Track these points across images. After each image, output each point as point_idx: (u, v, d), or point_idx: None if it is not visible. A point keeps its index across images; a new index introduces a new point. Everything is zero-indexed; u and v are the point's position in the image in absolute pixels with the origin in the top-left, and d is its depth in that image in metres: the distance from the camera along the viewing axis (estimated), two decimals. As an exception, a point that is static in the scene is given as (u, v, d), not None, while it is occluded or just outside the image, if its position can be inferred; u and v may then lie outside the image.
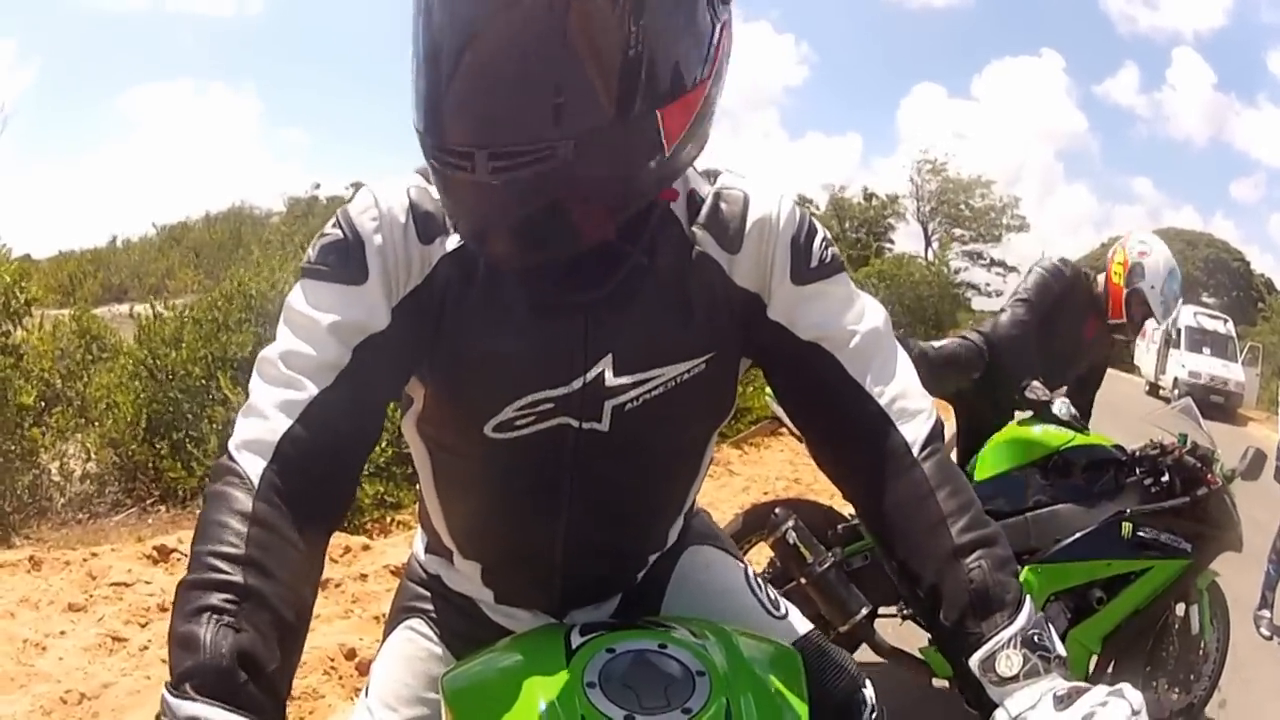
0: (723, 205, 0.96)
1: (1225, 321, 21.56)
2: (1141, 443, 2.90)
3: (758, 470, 6.79)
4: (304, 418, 0.84)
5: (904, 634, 2.87)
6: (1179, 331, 20.16)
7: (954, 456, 3.22)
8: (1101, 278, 3.28)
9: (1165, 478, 2.75)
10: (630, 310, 0.93)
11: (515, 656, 0.91)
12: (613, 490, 1.00)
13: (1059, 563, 2.68)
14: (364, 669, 2.80)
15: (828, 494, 3.70)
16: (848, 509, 2.87)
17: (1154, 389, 20.22)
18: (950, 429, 3.28)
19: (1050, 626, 0.86)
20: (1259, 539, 3.70)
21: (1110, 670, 2.75)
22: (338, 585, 3.49)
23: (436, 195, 0.91)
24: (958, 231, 35.07)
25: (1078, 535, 2.70)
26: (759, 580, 1.17)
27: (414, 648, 1.10)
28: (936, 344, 3.32)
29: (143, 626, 3.05)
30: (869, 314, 0.98)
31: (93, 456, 5.00)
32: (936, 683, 2.86)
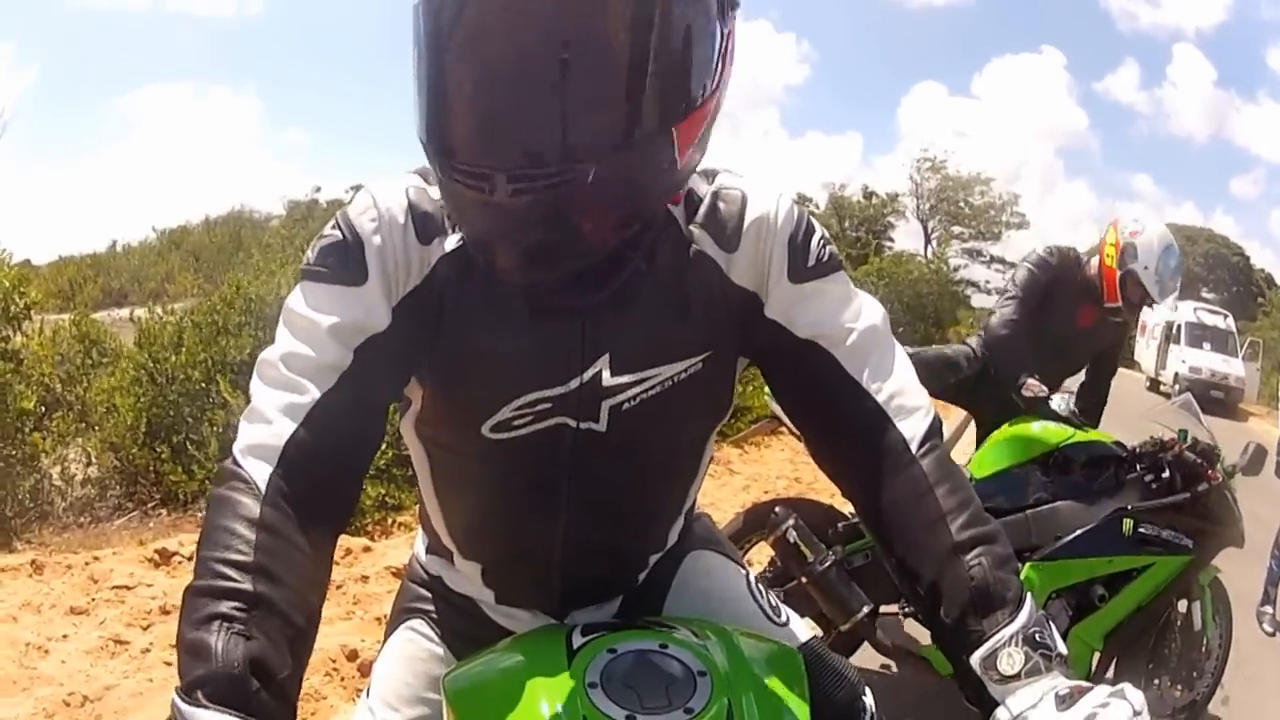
0: (721, 204, 0.96)
1: (1225, 317, 21.56)
2: (1142, 439, 2.90)
3: (758, 469, 6.79)
4: (307, 421, 0.84)
5: (904, 634, 2.87)
6: (1179, 327, 20.16)
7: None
8: (1095, 261, 3.22)
9: (1166, 474, 2.74)
10: (628, 310, 0.93)
11: (517, 656, 0.91)
12: (611, 490, 1.00)
13: (1060, 560, 2.68)
14: (365, 670, 2.80)
15: (828, 493, 3.70)
16: (848, 508, 2.86)
17: (1154, 384, 20.22)
18: (949, 429, 3.28)
19: (1051, 625, 0.86)
20: (1261, 535, 3.70)
21: (1112, 668, 2.75)
22: (339, 587, 3.49)
23: (435, 195, 0.91)
24: (957, 229, 35.06)
25: (1079, 532, 2.69)
26: (760, 586, 1.17)
27: (415, 648, 1.10)
28: (923, 349, 3.32)
29: (145, 629, 3.05)
30: (866, 312, 0.98)
31: (93, 461, 5.00)
32: (937, 681, 2.86)
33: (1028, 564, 2.65)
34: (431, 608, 1.13)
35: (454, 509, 1.06)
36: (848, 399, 0.95)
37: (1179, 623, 2.89)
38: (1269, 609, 4.25)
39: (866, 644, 2.67)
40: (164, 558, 3.64)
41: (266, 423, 0.84)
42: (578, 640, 0.88)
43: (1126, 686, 0.78)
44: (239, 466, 0.82)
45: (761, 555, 3.34)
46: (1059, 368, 3.33)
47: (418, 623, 1.12)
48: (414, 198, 0.92)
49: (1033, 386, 2.95)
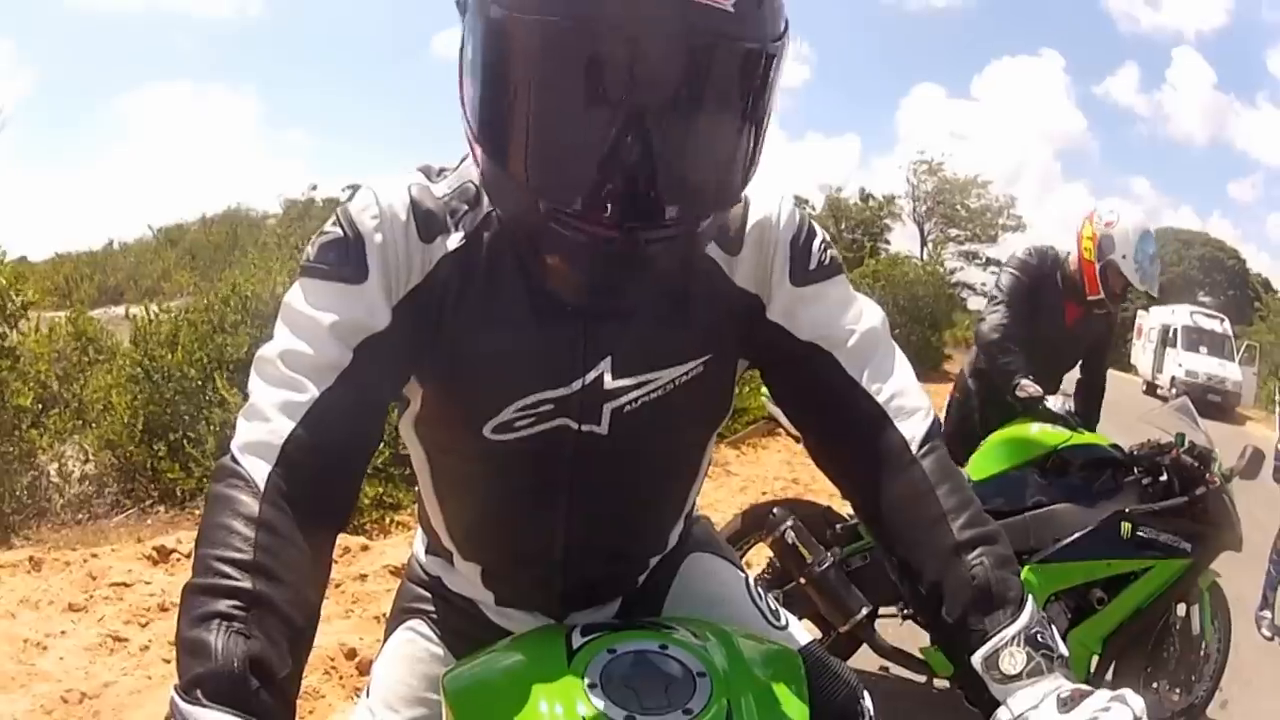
0: None
1: (1222, 321, 21.60)
2: (1138, 442, 2.90)
3: (756, 470, 6.80)
4: (306, 420, 0.83)
5: (903, 634, 2.87)
6: (1176, 331, 20.19)
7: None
8: (1073, 257, 3.22)
9: (1164, 477, 2.75)
10: (630, 312, 0.93)
11: (516, 656, 0.91)
12: (612, 492, 1.00)
13: (1059, 562, 2.68)
14: (364, 669, 2.80)
15: (826, 494, 3.70)
16: (847, 509, 2.87)
17: (1151, 388, 20.25)
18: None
19: (1053, 626, 0.86)
20: (1259, 538, 3.69)
21: (1111, 671, 2.75)
22: (338, 585, 3.49)
23: (438, 193, 0.91)
24: (953, 232, 35.03)
25: (1077, 535, 2.69)
26: (759, 590, 1.17)
27: (415, 648, 1.10)
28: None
29: (143, 626, 3.05)
30: (866, 314, 0.99)
31: (91, 458, 4.99)
32: (937, 683, 2.87)
33: (1026, 566, 2.65)
34: (431, 608, 1.13)
35: (454, 510, 1.06)
36: (848, 400, 0.95)
37: (1177, 626, 2.89)
38: (1267, 613, 4.24)
39: (865, 647, 2.67)
40: (162, 555, 3.63)
41: (265, 420, 0.83)
42: (577, 640, 0.88)
43: (1127, 691, 0.78)
44: (237, 464, 0.82)
45: (760, 556, 3.34)
46: (1052, 368, 3.33)
47: (417, 623, 1.12)
48: (416, 195, 0.91)
49: (1027, 387, 2.96)
